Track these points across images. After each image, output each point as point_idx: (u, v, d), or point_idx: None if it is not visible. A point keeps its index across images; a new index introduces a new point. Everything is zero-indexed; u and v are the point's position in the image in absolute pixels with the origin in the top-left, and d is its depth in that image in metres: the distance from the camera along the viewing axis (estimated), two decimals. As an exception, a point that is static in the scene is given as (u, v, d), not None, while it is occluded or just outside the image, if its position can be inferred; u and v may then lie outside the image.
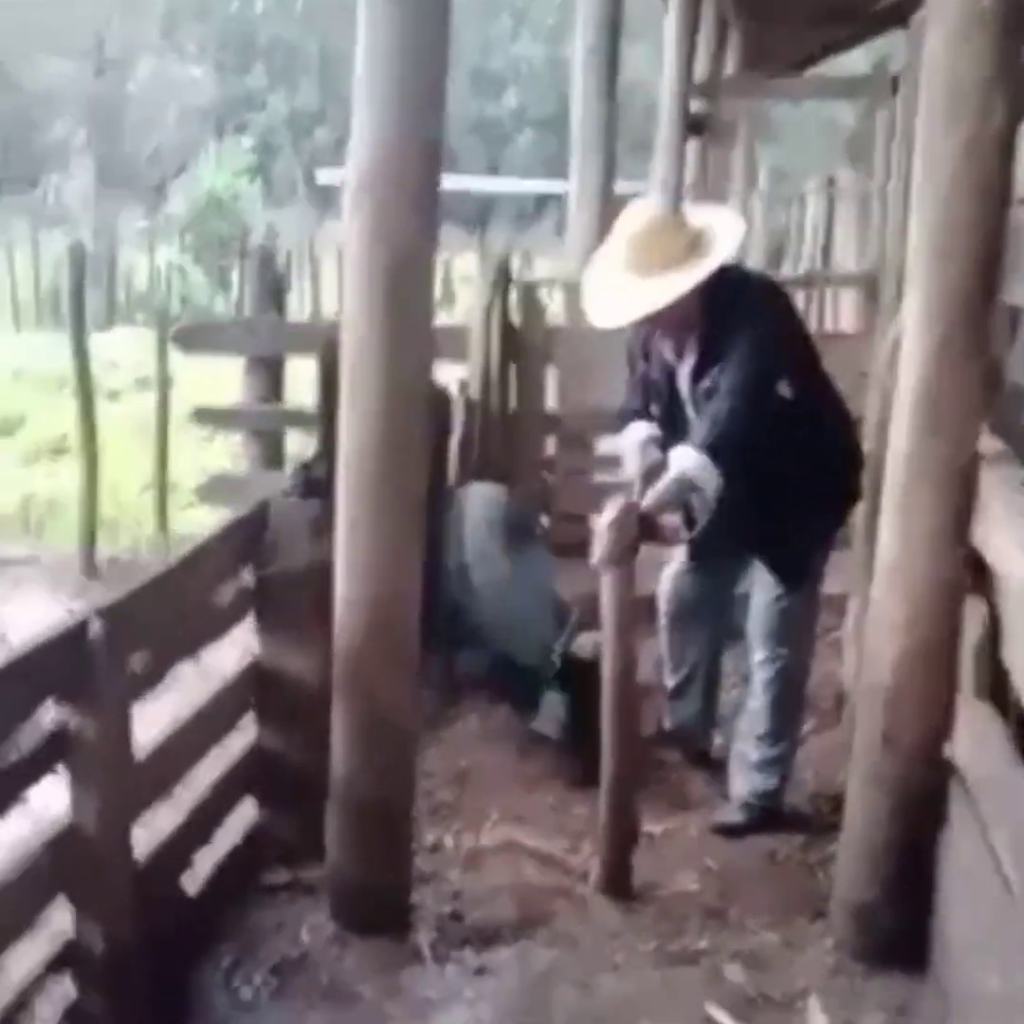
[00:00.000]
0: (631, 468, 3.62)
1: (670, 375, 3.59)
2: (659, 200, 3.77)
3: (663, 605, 3.97)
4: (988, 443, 2.86)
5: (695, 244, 3.37)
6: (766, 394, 3.34)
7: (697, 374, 3.48)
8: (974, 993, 2.53)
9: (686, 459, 3.29)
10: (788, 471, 3.46)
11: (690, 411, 3.54)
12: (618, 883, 3.33)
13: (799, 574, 3.64)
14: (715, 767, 4.02)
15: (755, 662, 3.73)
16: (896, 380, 2.94)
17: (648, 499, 3.37)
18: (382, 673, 3.06)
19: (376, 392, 2.91)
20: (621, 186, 7.98)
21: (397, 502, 2.99)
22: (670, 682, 4.03)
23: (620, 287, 3.38)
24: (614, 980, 2.99)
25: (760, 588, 3.70)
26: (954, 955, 2.74)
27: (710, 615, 3.95)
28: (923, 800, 2.95)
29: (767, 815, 3.70)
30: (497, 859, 3.47)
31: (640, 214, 3.40)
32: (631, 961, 3.06)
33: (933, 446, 2.81)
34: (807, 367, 3.56)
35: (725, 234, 3.44)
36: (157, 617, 2.79)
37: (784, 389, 3.40)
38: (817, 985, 2.96)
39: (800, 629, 3.71)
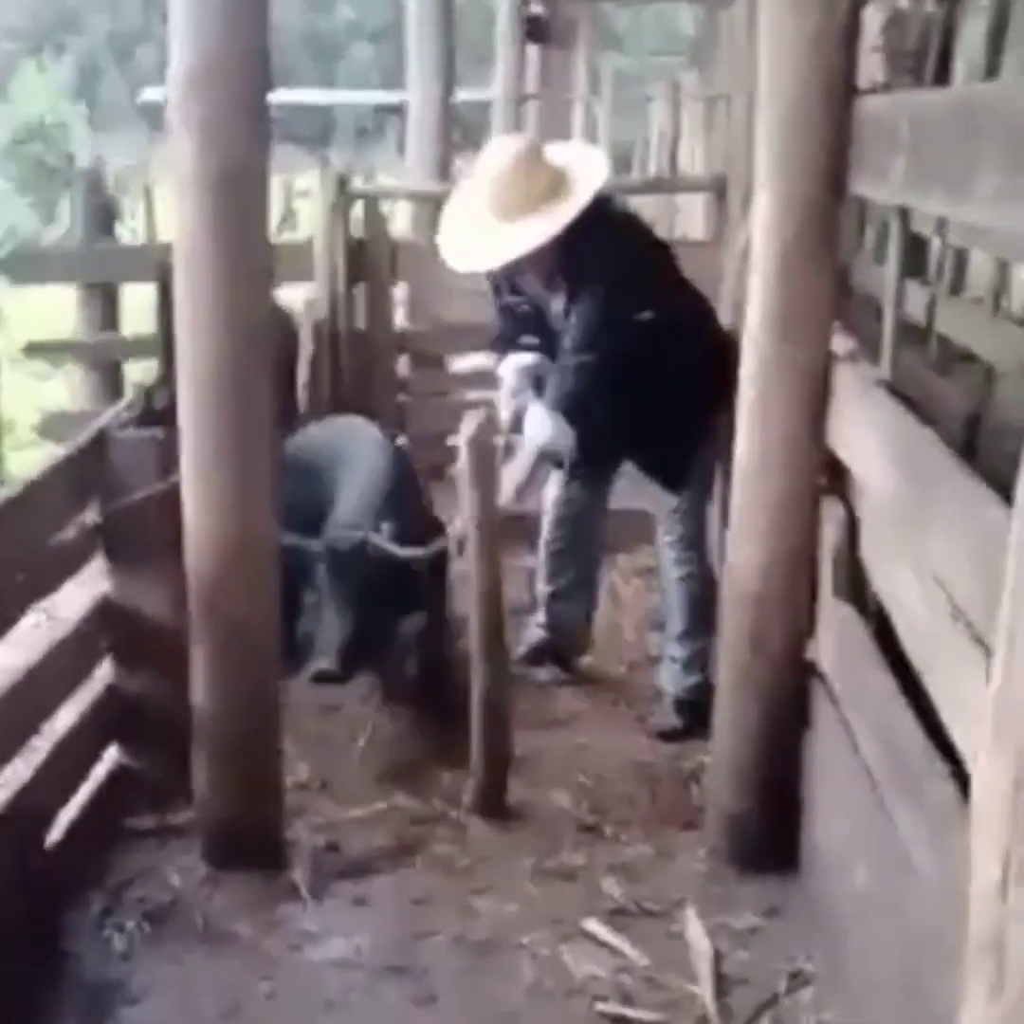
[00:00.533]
0: (503, 412, 3.61)
1: (540, 304, 3.58)
2: (520, 139, 3.63)
3: (549, 515, 4.00)
4: (840, 343, 2.86)
5: (557, 185, 3.32)
6: (617, 334, 3.36)
7: (567, 311, 3.48)
8: (841, 890, 2.59)
9: (536, 430, 3.42)
10: (655, 384, 3.48)
11: (564, 340, 3.53)
12: (492, 804, 3.32)
13: (678, 476, 3.68)
14: (583, 681, 4.08)
15: (666, 569, 3.83)
16: (746, 286, 2.93)
17: (508, 479, 3.43)
18: (239, 607, 2.96)
19: (214, 311, 2.79)
20: (462, 96, 7.84)
21: (245, 426, 2.89)
22: (549, 587, 4.04)
23: (481, 231, 3.33)
24: (492, 901, 2.99)
25: (657, 502, 3.76)
26: (822, 855, 2.79)
27: (593, 524, 3.98)
28: (789, 704, 2.99)
29: (699, 712, 3.64)
30: (370, 788, 3.43)
31: (500, 153, 3.32)
32: (508, 881, 3.06)
33: (786, 349, 2.81)
34: (667, 285, 3.56)
35: (587, 174, 3.39)
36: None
37: (644, 315, 3.41)
38: (692, 893, 2.99)
39: (700, 531, 3.78)
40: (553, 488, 3.99)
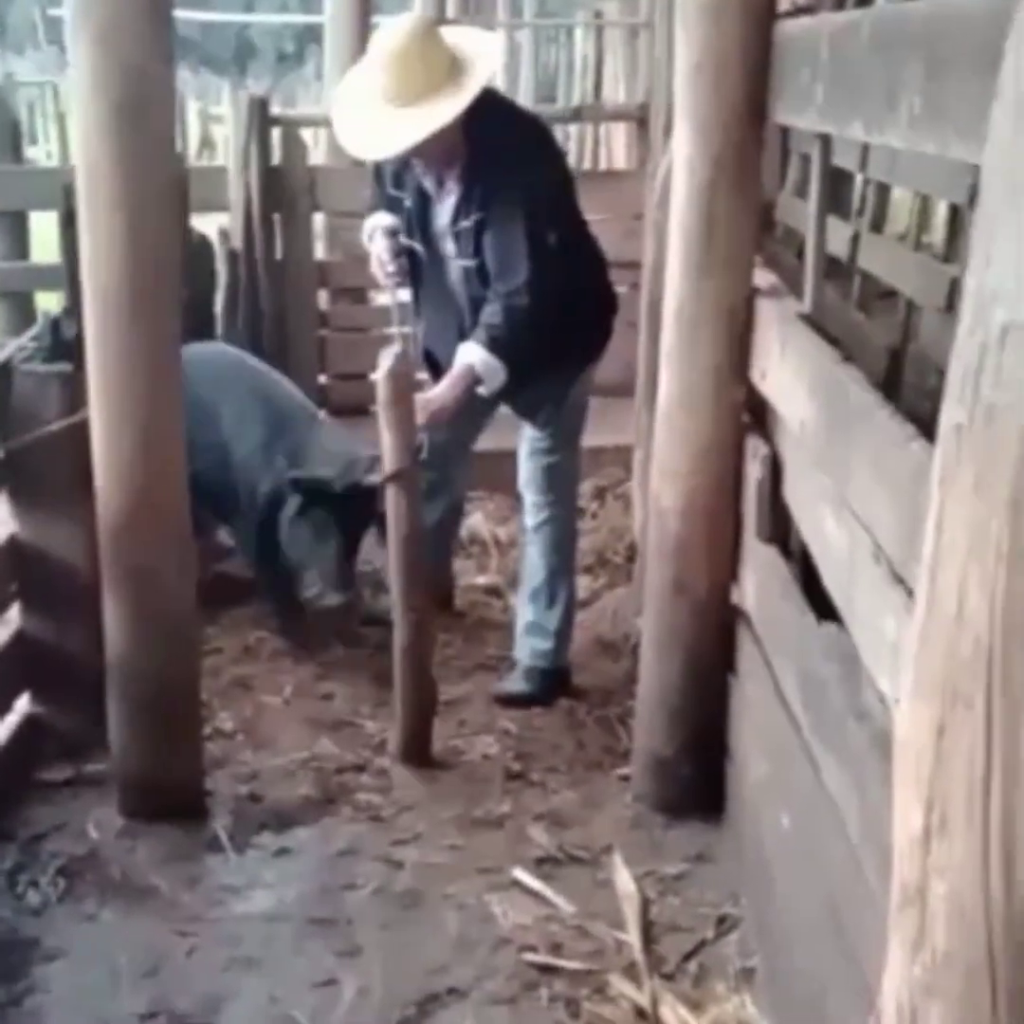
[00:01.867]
0: (373, 259, 3.52)
1: (424, 203, 3.42)
2: (411, 19, 3.45)
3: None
4: (763, 277, 2.81)
5: (453, 67, 3.16)
6: (535, 261, 3.22)
7: (458, 211, 3.33)
8: (767, 833, 2.58)
9: (472, 356, 3.29)
10: (551, 314, 3.30)
11: (447, 245, 3.41)
12: (418, 752, 3.27)
13: (548, 416, 3.54)
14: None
15: (525, 516, 3.69)
16: (668, 217, 2.86)
17: (437, 394, 3.33)
18: (152, 549, 2.86)
19: (118, 234, 2.67)
20: (381, 21, 7.63)
21: (154, 359, 2.78)
22: None
23: (378, 117, 3.16)
24: (418, 851, 2.95)
25: (524, 442, 3.62)
26: (748, 799, 2.78)
27: (458, 462, 3.82)
28: (714, 647, 2.97)
29: (549, 679, 3.63)
30: (292, 736, 3.37)
31: (393, 37, 3.16)
32: (435, 830, 3.02)
33: (708, 284, 2.76)
34: (570, 212, 3.47)
35: (483, 55, 3.25)
36: None
37: (550, 239, 3.28)
38: (619, 839, 2.98)
39: (563, 481, 3.64)
40: None
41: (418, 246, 3.46)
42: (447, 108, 3.11)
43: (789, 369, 2.48)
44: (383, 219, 3.50)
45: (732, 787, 2.93)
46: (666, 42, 4.10)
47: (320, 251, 5.52)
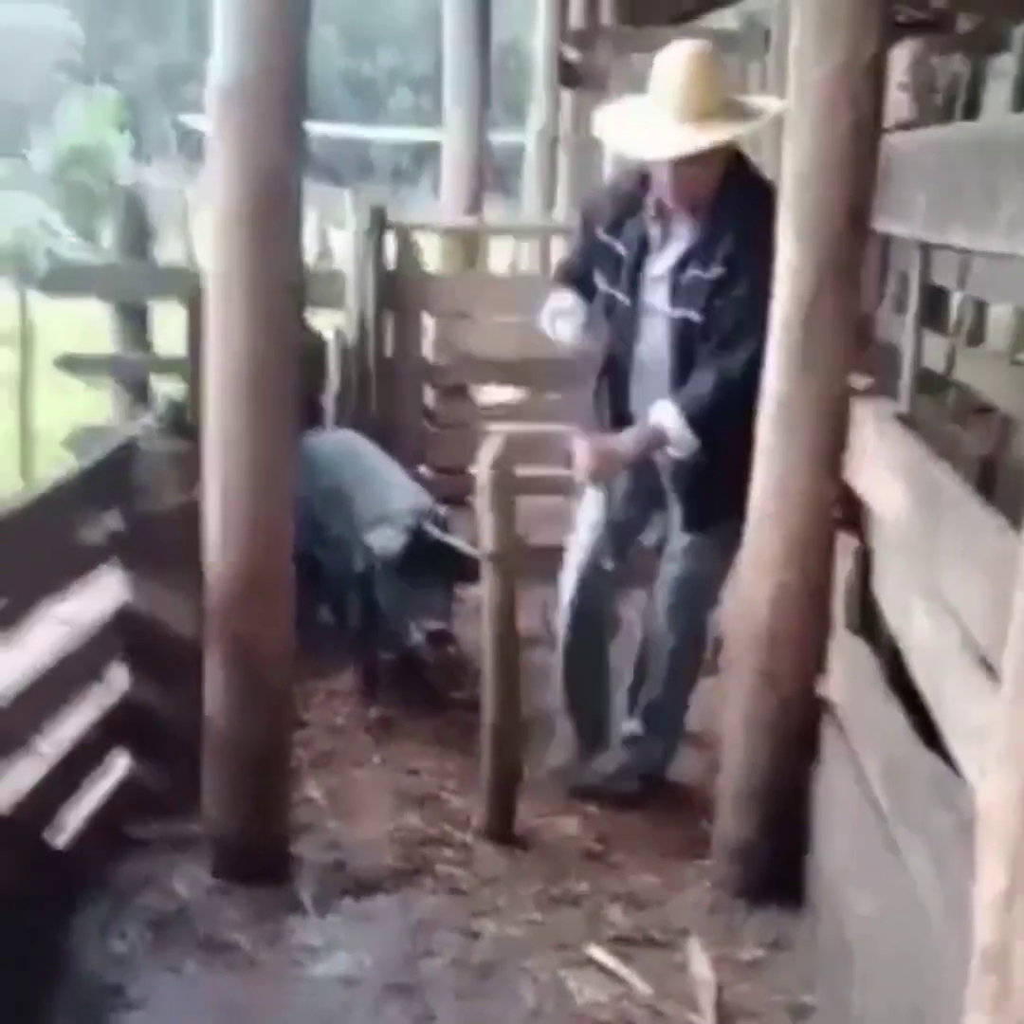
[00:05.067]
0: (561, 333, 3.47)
1: (642, 251, 3.32)
2: (695, 44, 3.30)
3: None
4: (860, 380, 2.88)
5: (734, 101, 3.22)
6: (763, 345, 2.93)
7: (688, 259, 3.24)
8: (846, 923, 2.57)
9: (667, 418, 3.22)
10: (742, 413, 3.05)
11: (658, 295, 3.29)
12: (500, 827, 3.31)
13: (714, 515, 3.35)
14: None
15: (651, 620, 3.61)
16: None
17: (618, 440, 3.34)
18: (256, 620, 2.99)
19: (244, 329, 2.83)
20: (496, 137, 7.93)
21: (269, 446, 2.92)
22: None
23: (662, 123, 3.13)
24: (496, 924, 2.97)
25: (667, 536, 3.51)
26: (828, 885, 2.78)
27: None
28: (799, 737, 2.99)
29: (647, 782, 3.59)
30: (378, 807, 3.43)
31: (681, 53, 3.15)
32: (513, 905, 3.05)
33: (806, 382, 2.83)
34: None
35: (766, 101, 3.31)
36: (9, 558, 2.67)
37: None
38: (696, 924, 2.98)
39: (707, 583, 3.52)
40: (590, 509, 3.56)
41: (621, 295, 3.33)
42: (735, 128, 3.16)
43: (884, 464, 2.55)
44: (566, 305, 3.44)
45: (811, 875, 2.93)
46: (770, 160, 4.24)
47: (427, 350, 5.71)
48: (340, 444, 4.46)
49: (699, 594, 3.54)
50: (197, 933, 2.87)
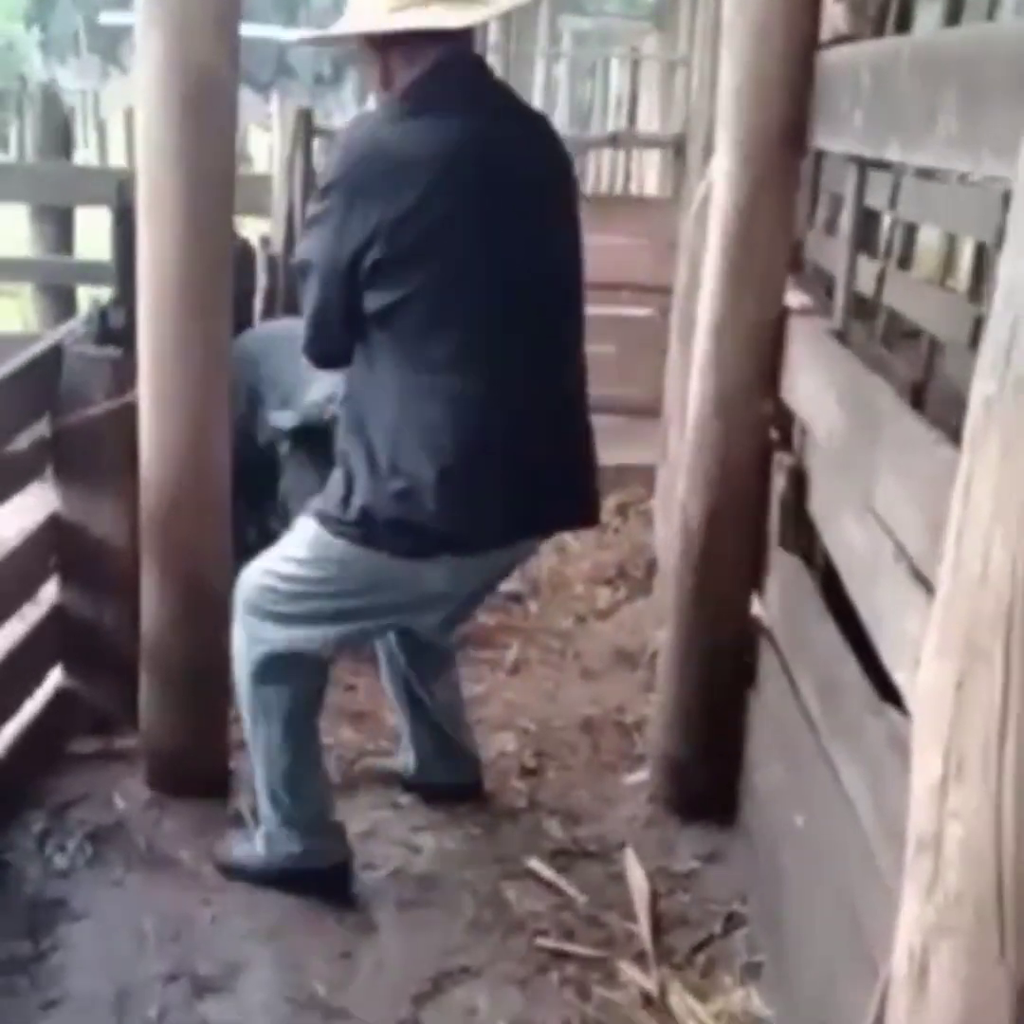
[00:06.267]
0: None
1: None
2: None
3: None
4: (795, 298, 2.89)
5: None
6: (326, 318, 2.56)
7: None
8: (780, 834, 2.64)
9: None
10: None
11: None
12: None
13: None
14: (532, 631, 4.05)
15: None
16: (703, 240, 2.96)
17: None
18: (194, 529, 2.96)
19: (176, 237, 2.77)
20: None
21: (205, 351, 2.88)
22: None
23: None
24: (435, 838, 3.02)
25: None
26: (762, 802, 2.85)
27: None
28: (734, 656, 3.03)
29: None
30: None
31: None
32: (451, 820, 3.08)
33: (743, 299, 2.84)
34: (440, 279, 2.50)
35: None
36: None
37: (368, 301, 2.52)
38: (632, 837, 3.04)
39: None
40: None
41: None
42: (381, 19, 2.43)
43: (818, 381, 2.56)
44: None
45: (746, 790, 3.00)
46: (707, 72, 4.22)
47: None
48: (269, 337, 4.33)
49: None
50: (138, 846, 2.88)
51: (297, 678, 2.67)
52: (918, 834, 1.22)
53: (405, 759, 3.18)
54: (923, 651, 1.24)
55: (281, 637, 2.62)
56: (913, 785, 1.23)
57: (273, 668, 2.64)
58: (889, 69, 2.13)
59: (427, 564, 2.51)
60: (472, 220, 2.43)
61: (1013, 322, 1.07)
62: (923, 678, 1.23)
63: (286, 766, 2.71)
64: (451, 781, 3.16)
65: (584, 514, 2.76)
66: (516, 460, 2.52)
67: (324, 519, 2.54)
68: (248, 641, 2.65)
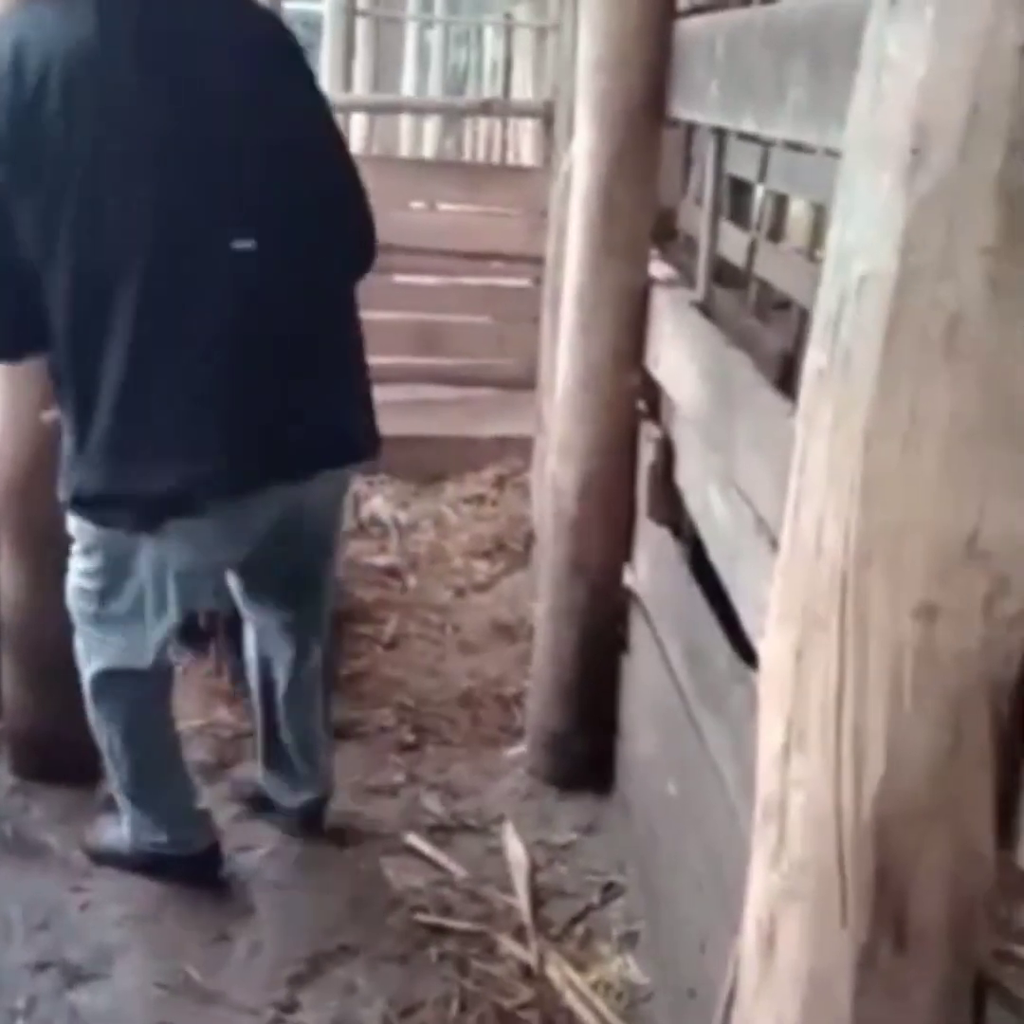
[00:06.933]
0: None
1: None
2: None
3: None
4: (659, 269, 2.91)
5: None
6: None
7: None
8: (652, 804, 2.67)
9: None
10: None
11: None
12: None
13: None
14: (410, 605, 4.04)
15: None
16: (569, 211, 2.96)
17: None
18: (52, 505, 2.79)
19: None
20: (288, 5, 7.68)
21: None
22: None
23: None
24: (311, 814, 2.99)
25: None
26: (635, 772, 2.88)
27: None
28: (607, 627, 3.06)
29: None
30: (187, 703, 3.38)
31: None
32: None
33: (606, 272, 2.85)
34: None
35: None
36: None
37: None
38: (511, 810, 3.06)
39: None
40: None
41: None
42: None
43: (682, 353, 2.57)
44: None
45: (621, 761, 3.03)
46: (572, 42, 4.21)
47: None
48: None
49: None
50: (4, 833, 2.83)
51: (132, 691, 2.57)
52: (764, 802, 1.24)
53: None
54: (767, 621, 1.25)
55: (107, 649, 2.51)
56: (759, 754, 1.24)
57: (105, 687, 2.56)
58: (743, 39, 2.14)
59: (154, 537, 2.32)
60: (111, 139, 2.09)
61: (840, 293, 1.08)
62: (766, 647, 1.24)
63: (135, 766, 2.63)
64: (290, 805, 2.91)
65: (351, 449, 2.50)
66: (206, 412, 2.24)
67: (64, 505, 2.40)
68: (83, 651, 2.57)
